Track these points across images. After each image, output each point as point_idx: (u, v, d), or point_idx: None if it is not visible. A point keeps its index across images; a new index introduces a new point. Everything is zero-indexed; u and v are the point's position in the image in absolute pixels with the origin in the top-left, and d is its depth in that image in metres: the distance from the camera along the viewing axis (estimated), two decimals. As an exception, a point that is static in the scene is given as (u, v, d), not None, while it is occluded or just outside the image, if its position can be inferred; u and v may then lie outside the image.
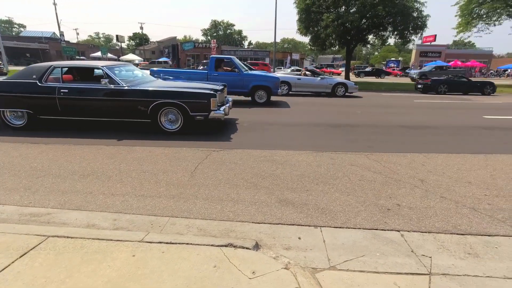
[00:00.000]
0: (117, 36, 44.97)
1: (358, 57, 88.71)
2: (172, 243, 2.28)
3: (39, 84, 5.60)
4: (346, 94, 14.33)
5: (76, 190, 3.31)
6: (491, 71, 51.10)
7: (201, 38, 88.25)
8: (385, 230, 2.67)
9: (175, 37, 72.34)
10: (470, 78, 19.51)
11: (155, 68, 11.19)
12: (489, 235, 2.64)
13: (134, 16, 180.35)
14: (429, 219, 2.86)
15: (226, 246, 2.28)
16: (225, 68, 10.80)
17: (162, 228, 2.61)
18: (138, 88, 5.80)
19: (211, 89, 6.04)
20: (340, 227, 2.70)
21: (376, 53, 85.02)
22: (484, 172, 4.16)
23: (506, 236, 2.63)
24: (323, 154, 4.76)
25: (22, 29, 78.81)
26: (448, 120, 8.40)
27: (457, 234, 2.64)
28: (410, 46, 45.54)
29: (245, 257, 2.17)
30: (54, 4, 36.73)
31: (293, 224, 2.72)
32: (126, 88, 5.69)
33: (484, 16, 23.72)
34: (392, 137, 6.26)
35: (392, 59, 57.93)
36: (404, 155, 4.83)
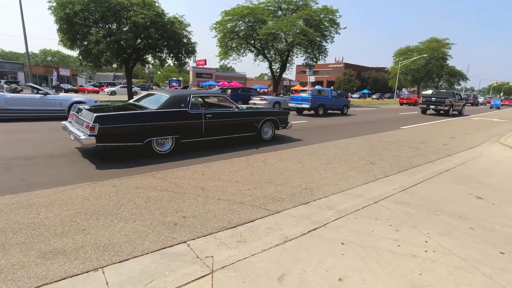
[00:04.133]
0: None
1: (141, 75, 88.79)
2: None
3: (190, 111, 6.33)
4: None
5: None
6: (248, 90, 66.72)
7: None
8: (173, 245, 2.73)
9: None
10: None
11: (300, 94, 18.42)
12: (252, 221, 3.31)
13: None
14: (210, 222, 3.22)
15: None
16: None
17: None
18: (253, 110, 7.96)
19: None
20: (126, 260, 2.47)
21: (159, 72, 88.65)
22: (246, 171, 5.25)
23: (262, 218, 3.40)
24: (104, 182, 4.26)
25: None
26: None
27: (231, 228, 3.13)
28: (188, 67, 51.11)
29: None
30: None
31: (64, 278, 2.20)
32: (248, 110, 7.69)
33: (235, 48, 30.61)
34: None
35: (174, 78, 62.40)
36: (187, 168, 5.23)
